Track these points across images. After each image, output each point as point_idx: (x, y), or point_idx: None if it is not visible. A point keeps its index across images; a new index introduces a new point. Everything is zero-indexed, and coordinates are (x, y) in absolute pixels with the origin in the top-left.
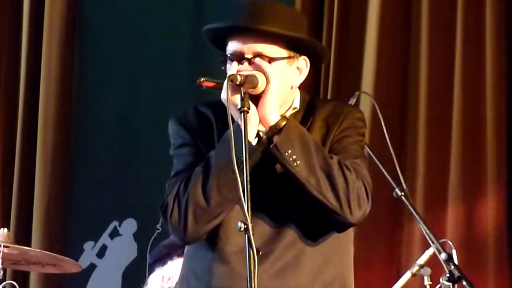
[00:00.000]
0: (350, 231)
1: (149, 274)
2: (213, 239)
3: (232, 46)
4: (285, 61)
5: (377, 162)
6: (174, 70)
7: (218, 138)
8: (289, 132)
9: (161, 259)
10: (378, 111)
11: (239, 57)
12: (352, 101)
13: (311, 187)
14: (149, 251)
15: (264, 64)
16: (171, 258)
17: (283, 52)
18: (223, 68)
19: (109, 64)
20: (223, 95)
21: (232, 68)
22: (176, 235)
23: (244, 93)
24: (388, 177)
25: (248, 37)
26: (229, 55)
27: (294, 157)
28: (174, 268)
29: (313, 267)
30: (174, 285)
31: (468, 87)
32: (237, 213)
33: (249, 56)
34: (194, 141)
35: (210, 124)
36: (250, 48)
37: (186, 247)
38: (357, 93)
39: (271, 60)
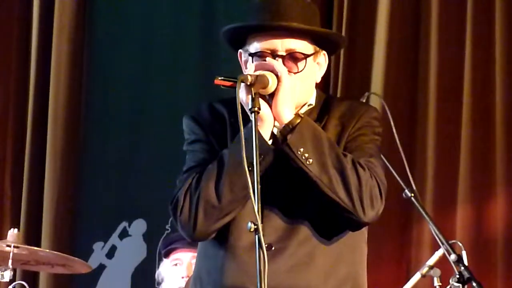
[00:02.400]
0: (364, 230)
1: (159, 261)
2: (225, 237)
3: (262, 44)
4: (312, 57)
5: (387, 163)
6: (183, 67)
7: (232, 135)
8: (302, 130)
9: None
10: (388, 111)
11: (272, 55)
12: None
13: (323, 185)
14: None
15: (276, 63)
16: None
17: (311, 48)
18: (249, 64)
19: (119, 62)
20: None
21: (251, 66)
22: (185, 232)
23: (255, 93)
24: (398, 178)
25: (280, 34)
26: (257, 53)
27: (307, 155)
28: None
29: (326, 265)
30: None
31: (478, 87)
32: (249, 210)
33: (282, 53)
34: (207, 137)
35: (224, 121)
36: (283, 45)
37: (199, 246)
38: (366, 93)
39: (305, 56)
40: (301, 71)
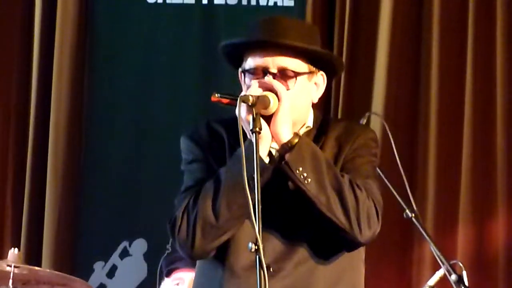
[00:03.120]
0: (361, 251)
1: (160, 280)
2: (223, 255)
3: (255, 61)
4: (306, 76)
5: (388, 183)
6: (185, 83)
7: (230, 154)
8: (300, 149)
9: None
10: (389, 131)
11: (263, 72)
12: (363, 121)
13: (321, 205)
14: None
15: (275, 82)
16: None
17: (305, 67)
18: (244, 83)
19: (119, 75)
20: (237, 113)
21: (252, 85)
22: (183, 251)
23: (256, 113)
24: (399, 198)
25: (272, 52)
26: (250, 70)
27: (305, 174)
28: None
29: (324, 286)
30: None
31: (480, 108)
32: (247, 229)
33: (274, 70)
34: (205, 157)
35: (222, 141)
36: (275, 62)
37: (198, 264)
38: (367, 113)
39: (296, 74)
40: (291, 89)
